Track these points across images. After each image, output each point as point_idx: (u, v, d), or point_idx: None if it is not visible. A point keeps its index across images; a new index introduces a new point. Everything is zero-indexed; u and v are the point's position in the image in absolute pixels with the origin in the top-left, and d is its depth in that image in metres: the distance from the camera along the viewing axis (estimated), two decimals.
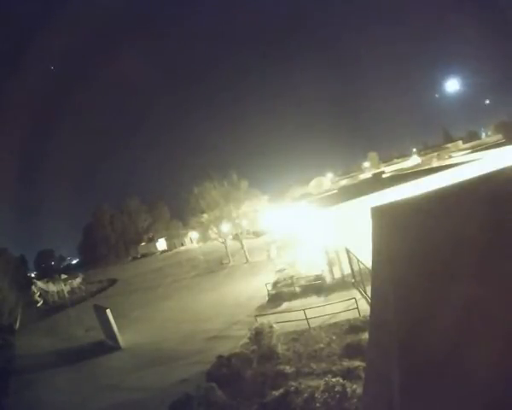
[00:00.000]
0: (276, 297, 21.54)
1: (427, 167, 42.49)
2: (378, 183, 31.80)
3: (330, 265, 21.65)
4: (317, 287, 20.80)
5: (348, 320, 14.85)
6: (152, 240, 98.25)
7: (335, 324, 15.20)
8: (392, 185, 22.94)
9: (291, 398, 10.40)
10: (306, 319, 15.76)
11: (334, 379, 10.39)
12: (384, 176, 49.09)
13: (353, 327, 14.02)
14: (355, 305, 15.14)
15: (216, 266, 41.41)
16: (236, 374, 12.96)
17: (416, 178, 23.46)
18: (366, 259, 14.55)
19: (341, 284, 20.12)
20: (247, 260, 38.12)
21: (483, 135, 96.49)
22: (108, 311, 22.18)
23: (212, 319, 21.32)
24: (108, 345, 21.84)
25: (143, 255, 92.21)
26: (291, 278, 22.85)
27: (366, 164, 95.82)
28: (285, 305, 20.27)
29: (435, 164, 51.33)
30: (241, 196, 39.35)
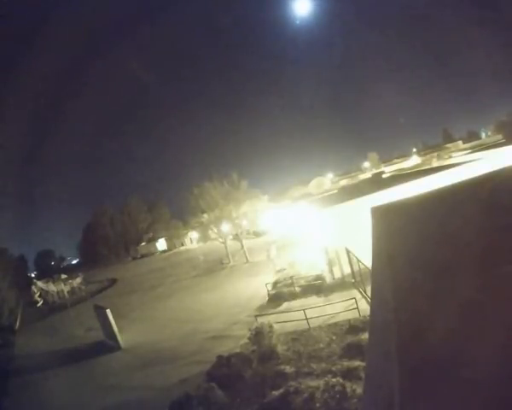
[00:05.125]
0: (276, 297, 21.53)
1: (427, 167, 42.53)
2: (378, 183, 31.79)
3: (330, 265, 21.65)
4: (317, 287, 20.79)
5: (348, 320, 14.83)
6: (152, 240, 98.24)
7: (335, 324, 15.19)
8: (392, 185, 22.94)
9: (291, 398, 10.40)
10: (306, 319, 15.75)
11: (334, 379, 10.38)
12: (384, 176, 49.11)
13: (353, 327, 14.00)
14: (355, 305, 15.13)
15: (216, 266, 41.41)
16: (236, 374, 12.96)
17: (416, 178, 23.46)
18: (366, 259, 14.55)
19: (341, 284, 20.12)
20: (247, 260, 38.10)
21: (483, 135, 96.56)
22: (108, 311, 22.17)
23: (212, 319, 21.32)
24: (108, 345, 21.83)
25: (143, 255, 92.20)
26: (291, 278, 22.83)
27: (366, 164, 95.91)
28: (285, 305, 20.26)
29: (435, 164, 51.38)
30: (241, 196, 39.31)
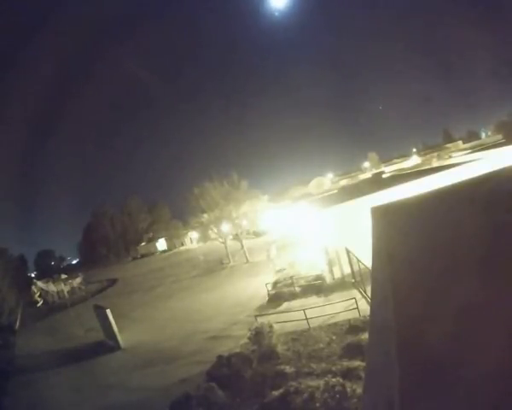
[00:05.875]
0: (276, 297, 21.53)
1: (427, 167, 42.54)
2: (378, 183, 31.79)
3: (330, 265, 21.65)
4: (317, 287, 20.80)
5: (348, 320, 14.84)
6: (152, 240, 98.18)
7: (335, 324, 15.20)
8: (392, 185, 22.95)
9: (291, 398, 10.40)
10: (306, 319, 15.75)
11: (334, 379, 10.38)
12: (384, 176, 49.08)
13: (353, 327, 14.01)
14: (355, 305, 15.13)
15: (216, 266, 41.41)
16: (236, 374, 12.96)
17: (416, 178, 23.47)
18: (366, 259, 14.55)
19: (341, 284, 20.13)
20: (247, 260, 38.11)
21: (483, 135, 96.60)
22: (108, 311, 22.18)
23: (212, 319, 21.32)
24: (108, 345, 21.84)
25: (143, 255, 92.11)
26: (291, 278, 22.84)
27: (366, 164, 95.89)
28: (285, 305, 20.27)
29: (435, 164, 51.40)
30: (241, 196, 39.34)
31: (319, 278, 21.66)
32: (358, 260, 17.30)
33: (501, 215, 1.56)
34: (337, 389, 9.94)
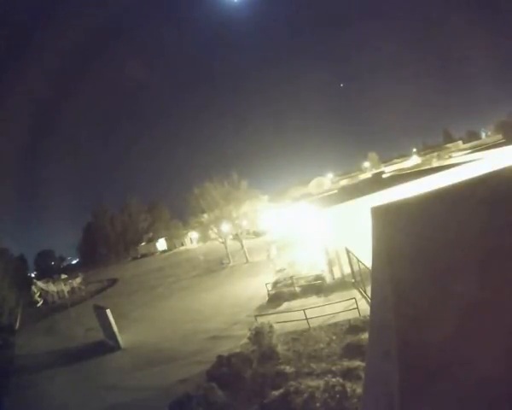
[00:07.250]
0: (276, 297, 21.53)
1: (427, 167, 42.55)
2: (378, 183, 31.77)
3: (330, 265, 21.64)
4: (317, 287, 20.80)
5: (348, 320, 14.84)
6: (152, 240, 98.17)
7: (335, 324, 15.19)
8: (392, 185, 22.94)
9: (291, 398, 10.40)
10: (306, 319, 15.75)
11: (334, 379, 10.38)
12: (384, 176, 49.04)
13: (353, 327, 14.00)
14: (355, 305, 15.12)
15: (216, 266, 41.41)
16: (236, 374, 12.95)
17: (416, 178, 23.46)
18: (366, 259, 14.55)
19: (341, 284, 20.12)
20: (247, 260, 38.10)
21: (483, 135, 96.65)
22: (108, 311, 22.18)
23: (212, 319, 21.32)
24: (108, 345, 21.84)
25: (143, 255, 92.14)
26: (291, 278, 22.84)
27: (366, 164, 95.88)
28: (285, 305, 20.27)
29: (435, 164, 51.41)
30: (241, 196, 39.32)
31: (319, 278, 21.65)
32: (358, 260, 17.29)
33: (501, 215, 1.56)
34: (337, 389, 9.94)
